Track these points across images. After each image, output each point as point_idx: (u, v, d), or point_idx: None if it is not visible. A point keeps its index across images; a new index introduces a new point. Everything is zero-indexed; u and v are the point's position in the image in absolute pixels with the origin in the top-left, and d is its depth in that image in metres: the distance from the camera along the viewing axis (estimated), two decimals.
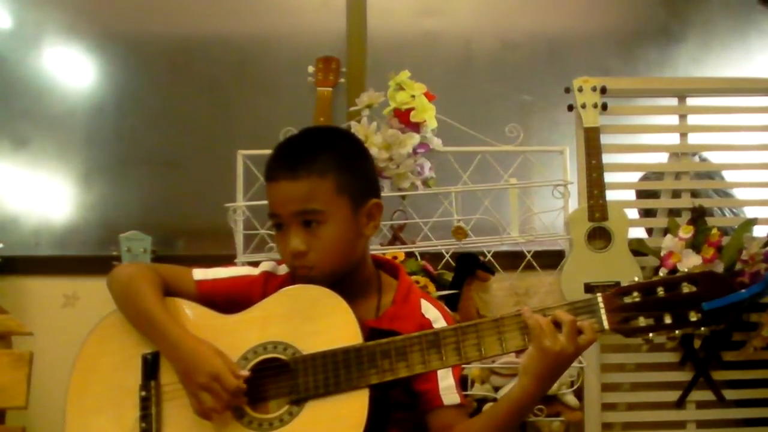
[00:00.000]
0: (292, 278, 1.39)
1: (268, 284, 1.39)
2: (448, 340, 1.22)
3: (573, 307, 1.20)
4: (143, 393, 1.29)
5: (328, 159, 1.33)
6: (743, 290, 1.16)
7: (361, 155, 1.41)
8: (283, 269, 1.42)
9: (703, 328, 1.17)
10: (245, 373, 1.25)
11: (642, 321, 1.17)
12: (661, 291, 1.18)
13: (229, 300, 1.37)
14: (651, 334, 1.18)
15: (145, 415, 1.28)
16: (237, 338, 1.30)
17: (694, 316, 1.16)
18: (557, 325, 1.18)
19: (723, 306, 1.15)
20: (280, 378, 1.26)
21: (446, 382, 1.33)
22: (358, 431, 1.19)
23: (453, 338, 1.22)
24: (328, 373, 1.23)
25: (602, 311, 1.18)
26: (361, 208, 1.35)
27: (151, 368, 1.31)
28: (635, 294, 1.18)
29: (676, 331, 1.18)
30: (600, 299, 1.19)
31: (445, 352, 1.22)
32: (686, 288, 1.17)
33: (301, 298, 1.30)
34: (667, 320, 1.17)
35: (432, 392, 1.32)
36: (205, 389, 1.23)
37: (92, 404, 1.33)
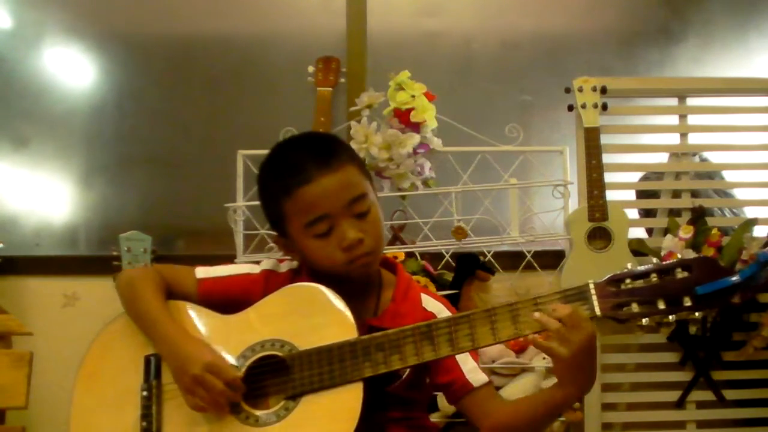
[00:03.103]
0: (293, 275, 1.39)
1: (269, 282, 1.39)
2: (440, 331, 1.23)
3: (564, 294, 1.20)
4: (144, 393, 1.31)
5: (342, 149, 1.36)
6: (736, 274, 1.16)
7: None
8: (284, 267, 1.42)
9: (697, 313, 1.18)
10: (239, 373, 1.26)
11: (635, 307, 1.18)
12: (654, 277, 1.18)
13: (230, 298, 1.38)
14: (645, 320, 1.18)
15: (146, 414, 1.29)
16: (235, 337, 1.31)
17: (687, 301, 1.17)
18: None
19: (716, 290, 1.15)
20: (278, 374, 1.27)
21: (468, 365, 1.33)
22: (352, 423, 1.20)
23: (446, 329, 1.23)
24: (323, 368, 1.24)
25: (594, 297, 1.19)
26: (374, 190, 1.39)
27: (153, 369, 1.32)
28: (628, 281, 1.19)
29: (670, 317, 1.18)
30: (592, 286, 1.20)
31: (438, 343, 1.22)
32: (679, 274, 1.17)
33: (298, 296, 1.31)
34: (661, 305, 1.17)
35: (460, 380, 1.33)
36: (199, 382, 1.24)
37: (96, 405, 1.34)
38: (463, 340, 1.22)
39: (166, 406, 1.30)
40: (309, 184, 1.28)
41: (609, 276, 1.20)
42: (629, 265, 1.21)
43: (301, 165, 1.30)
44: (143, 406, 1.30)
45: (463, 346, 1.22)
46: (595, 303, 1.19)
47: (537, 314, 1.18)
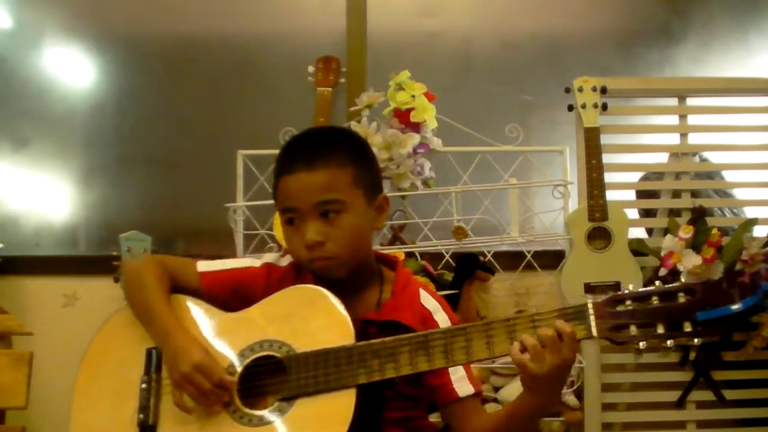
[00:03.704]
0: (296, 269, 1.40)
1: (271, 275, 1.40)
2: (436, 342, 1.22)
3: (563, 313, 1.19)
4: (143, 385, 1.31)
5: (343, 152, 1.35)
6: (738, 303, 1.14)
7: (369, 151, 1.44)
8: (286, 260, 1.43)
9: (696, 339, 1.15)
10: (230, 377, 1.27)
11: (633, 330, 1.16)
12: (655, 300, 1.16)
13: (232, 291, 1.39)
14: (642, 344, 1.16)
15: (144, 407, 1.29)
16: (235, 336, 1.32)
17: (687, 327, 1.14)
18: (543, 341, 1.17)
19: (717, 317, 1.13)
20: (275, 375, 1.27)
21: (458, 374, 1.34)
22: (343, 429, 1.20)
23: (441, 341, 1.22)
24: (318, 371, 1.24)
25: (591, 318, 1.17)
26: (373, 202, 1.38)
27: (154, 361, 1.32)
28: (629, 302, 1.17)
29: (669, 342, 1.16)
30: (590, 306, 1.18)
31: (433, 354, 1.22)
32: (682, 297, 1.15)
33: (299, 298, 1.32)
34: (660, 330, 1.15)
35: (446, 386, 1.33)
36: (188, 380, 1.25)
37: (97, 396, 1.35)
38: (458, 353, 1.21)
39: (164, 400, 1.30)
40: (288, 175, 1.33)
41: (609, 296, 1.18)
42: (631, 287, 1.19)
43: (291, 155, 1.36)
44: (141, 399, 1.30)
45: (457, 358, 1.22)
46: (593, 323, 1.17)
47: (523, 336, 1.18)
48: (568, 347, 1.16)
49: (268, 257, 1.44)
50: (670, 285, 1.17)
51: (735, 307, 1.13)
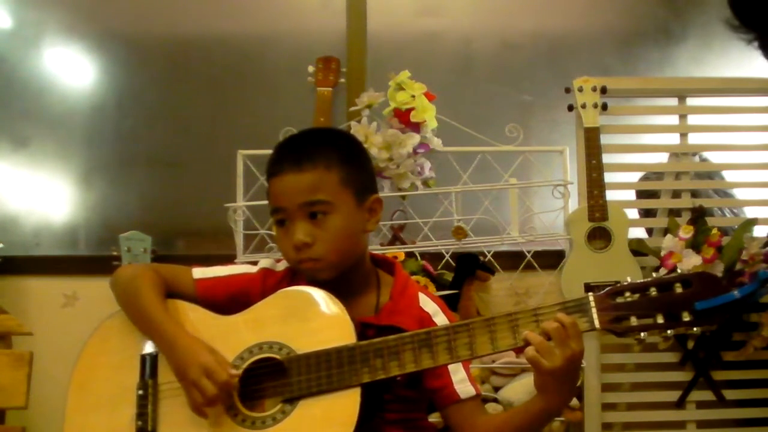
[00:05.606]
0: (292, 274, 1.40)
1: (267, 280, 1.40)
2: (439, 339, 1.23)
3: (564, 306, 1.20)
4: (140, 391, 1.31)
5: (332, 154, 1.35)
6: (735, 290, 1.16)
7: (361, 152, 1.45)
8: (281, 265, 1.43)
9: (695, 328, 1.18)
10: (236, 372, 1.26)
11: (634, 320, 1.18)
12: (653, 291, 1.18)
13: (228, 298, 1.38)
14: (643, 334, 1.18)
15: (141, 413, 1.29)
16: (234, 339, 1.31)
17: (686, 316, 1.17)
18: (548, 335, 1.19)
19: (715, 306, 1.15)
20: (275, 377, 1.27)
21: (459, 375, 1.34)
22: (349, 429, 1.20)
23: (444, 337, 1.23)
24: (320, 372, 1.24)
25: (593, 310, 1.19)
26: (363, 203, 1.37)
27: (149, 367, 1.32)
28: (627, 294, 1.19)
29: (669, 331, 1.18)
30: (591, 299, 1.20)
31: (437, 351, 1.22)
32: (679, 288, 1.17)
33: (297, 300, 1.31)
34: (660, 320, 1.17)
35: (447, 388, 1.33)
36: (195, 384, 1.24)
37: (92, 402, 1.34)
38: (462, 349, 1.22)
39: (161, 405, 1.30)
40: (277, 177, 1.35)
41: (608, 288, 1.20)
42: (629, 278, 1.21)
43: (279, 157, 1.37)
44: (139, 405, 1.30)
45: (461, 354, 1.22)
46: (595, 316, 1.19)
47: (526, 332, 1.19)
48: (573, 339, 1.17)
49: (264, 262, 1.44)
50: (667, 276, 1.19)
51: (732, 295, 1.15)
